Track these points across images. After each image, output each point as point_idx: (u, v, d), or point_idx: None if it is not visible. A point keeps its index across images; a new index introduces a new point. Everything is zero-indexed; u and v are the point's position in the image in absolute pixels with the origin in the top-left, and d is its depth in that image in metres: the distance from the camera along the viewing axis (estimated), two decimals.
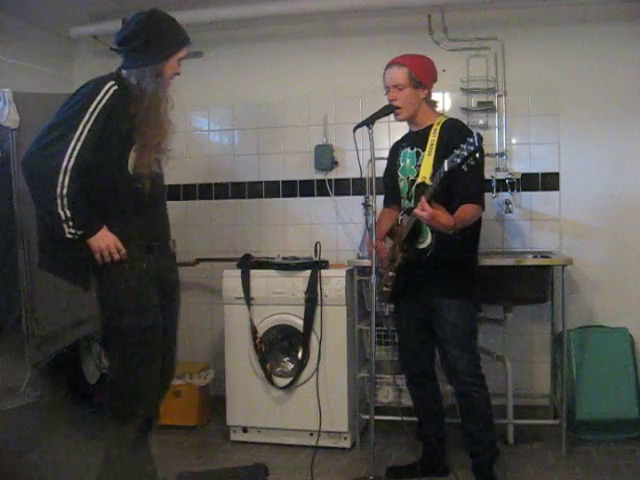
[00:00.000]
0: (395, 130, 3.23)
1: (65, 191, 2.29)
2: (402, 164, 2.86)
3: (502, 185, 3.62)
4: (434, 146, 2.69)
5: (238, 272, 3.46)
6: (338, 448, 3.35)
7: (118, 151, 2.39)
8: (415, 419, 3.12)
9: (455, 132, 2.65)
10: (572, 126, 3.64)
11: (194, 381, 3.74)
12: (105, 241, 2.37)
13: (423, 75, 2.76)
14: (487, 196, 3.56)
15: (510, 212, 3.59)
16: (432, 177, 2.58)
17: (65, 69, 4.22)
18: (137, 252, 2.44)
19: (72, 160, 2.29)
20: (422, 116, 2.80)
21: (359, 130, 2.71)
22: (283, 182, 4.02)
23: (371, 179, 2.77)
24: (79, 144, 2.30)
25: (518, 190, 3.64)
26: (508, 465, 3.04)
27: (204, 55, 4.06)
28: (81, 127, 2.30)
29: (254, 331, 3.38)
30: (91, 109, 2.31)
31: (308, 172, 3.96)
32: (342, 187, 3.92)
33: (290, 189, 4.00)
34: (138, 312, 2.42)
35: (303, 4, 3.63)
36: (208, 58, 4.03)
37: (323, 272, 3.36)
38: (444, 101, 3.75)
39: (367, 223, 3.70)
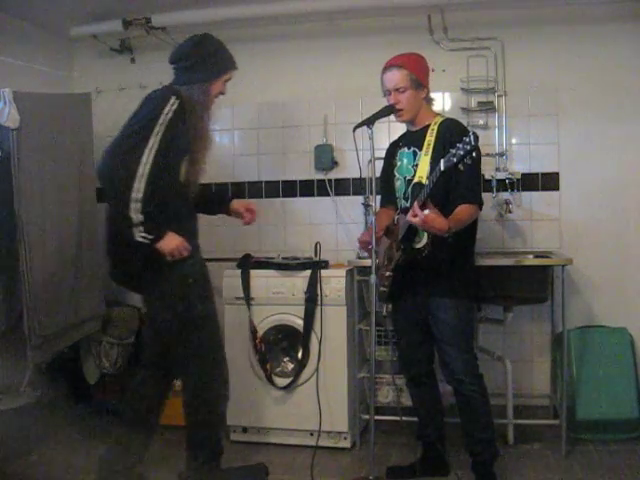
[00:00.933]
0: (395, 130, 3.23)
1: (140, 196, 2.50)
2: (399, 164, 2.86)
3: (502, 185, 3.62)
4: (431, 146, 2.68)
5: (238, 272, 3.46)
6: (338, 448, 3.35)
7: (175, 160, 2.64)
8: (415, 419, 3.12)
9: (452, 132, 2.65)
10: (572, 126, 3.64)
11: None
12: (174, 242, 2.59)
13: (422, 75, 2.76)
14: (487, 196, 3.59)
15: (510, 212, 3.59)
16: (429, 177, 2.58)
17: (65, 69, 4.22)
18: (193, 249, 2.70)
19: (147, 167, 2.52)
20: (421, 116, 2.80)
21: (359, 130, 2.71)
22: (283, 182, 4.01)
23: (371, 179, 2.77)
24: (152, 152, 2.52)
25: (518, 190, 3.64)
26: (508, 465, 3.04)
27: None
28: (152, 137, 2.52)
29: (254, 331, 3.38)
30: (160, 121, 2.54)
31: (308, 172, 3.96)
32: (342, 187, 3.92)
33: (290, 189, 4.00)
34: (207, 300, 2.75)
35: (303, 4, 3.63)
36: None
37: (323, 272, 3.36)
38: (444, 101, 3.75)
39: (367, 223, 3.70)
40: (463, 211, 2.61)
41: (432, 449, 2.98)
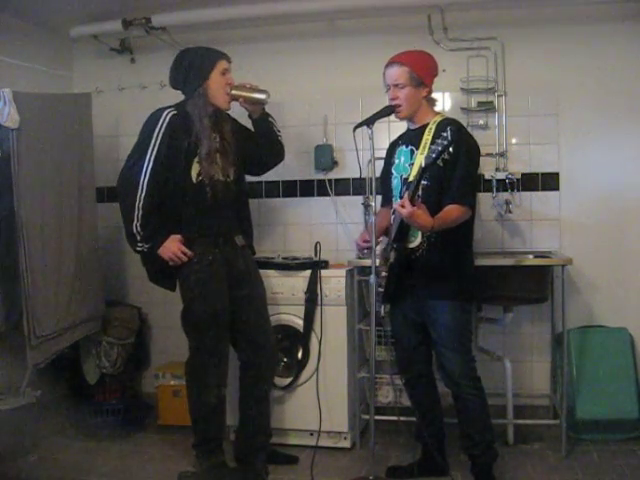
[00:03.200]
0: (395, 130, 3.23)
1: (141, 204, 2.78)
2: (397, 161, 2.86)
3: (502, 185, 3.62)
4: (427, 145, 2.67)
5: None
6: (338, 448, 3.35)
7: (181, 164, 2.84)
8: (414, 419, 3.12)
9: (445, 130, 2.63)
10: (572, 126, 3.64)
11: None
12: (171, 249, 2.83)
13: (424, 73, 2.75)
14: (487, 196, 3.60)
15: (510, 212, 3.59)
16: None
17: (65, 69, 4.21)
18: (203, 248, 2.88)
19: (147, 176, 2.80)
20: (421, 115, 2.79)
21: (359, 130, 2.71)
22: (283, 182, 4.01)
23: (371, 179, 2.77)
24: (150, 163, 2.80)
25: (518, 190, 3.64)
26: (508, 465, 3.04)
27: None
28: (150, 150, 2.81)
29: None
30: (155, 134, 2.82)
31: (308, 172, 3.95)
32: (342, 187, 3.91)
33: (290, 189, 4.00)
34: (205, 298, 2.87)
35: (303, 4, 3.62)
36: None
37: (323, 272, 3.36)
38: (444, 101, 3.74)
39: (367, 223, 3.70)
40: (450, 211, 2.61)
41: (431, 450, 2.96)
